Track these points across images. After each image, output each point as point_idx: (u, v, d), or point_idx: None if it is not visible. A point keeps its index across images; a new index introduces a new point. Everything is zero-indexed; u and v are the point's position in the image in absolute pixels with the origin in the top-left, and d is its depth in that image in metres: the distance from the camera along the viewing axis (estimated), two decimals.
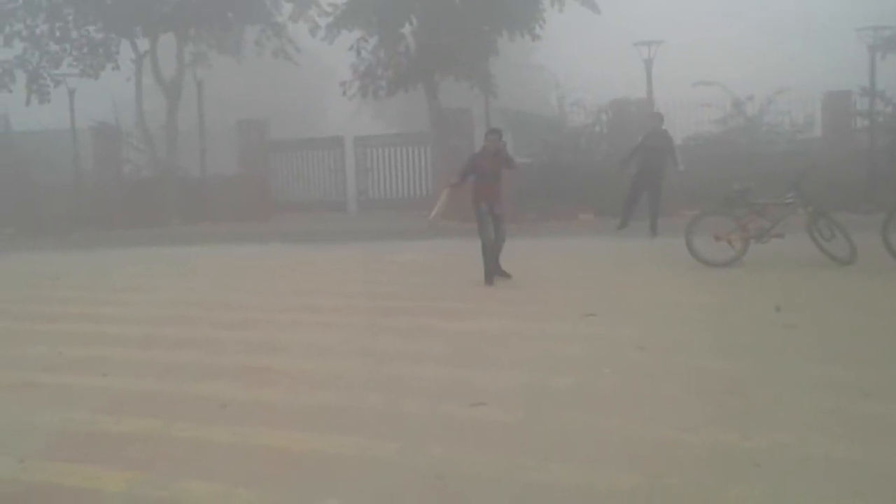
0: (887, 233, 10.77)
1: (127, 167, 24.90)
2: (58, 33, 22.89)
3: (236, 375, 6.72)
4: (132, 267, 15.26)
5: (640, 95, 21.34)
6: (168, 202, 23.60)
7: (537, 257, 13.29)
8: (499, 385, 6.14)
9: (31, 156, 24.23)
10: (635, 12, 30.56)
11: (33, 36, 22.78)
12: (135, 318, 9.62)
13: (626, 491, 4.25)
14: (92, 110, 23.80)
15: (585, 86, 22.36)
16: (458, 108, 22.38)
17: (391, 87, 22.30)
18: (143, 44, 23.96)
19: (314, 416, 5.60)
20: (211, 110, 24.95)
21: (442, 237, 17.39)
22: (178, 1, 23.51)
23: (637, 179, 16.13)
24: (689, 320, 8.26)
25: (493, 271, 11.16)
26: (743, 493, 4.17)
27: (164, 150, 24.16)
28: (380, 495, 4.33)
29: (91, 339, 8.43)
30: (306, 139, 25.85)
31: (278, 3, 24.36)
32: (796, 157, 19.00)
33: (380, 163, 24.81)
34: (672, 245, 12.27)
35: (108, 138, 24.39)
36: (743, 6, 36.54)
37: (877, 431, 4.93)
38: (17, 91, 22.67)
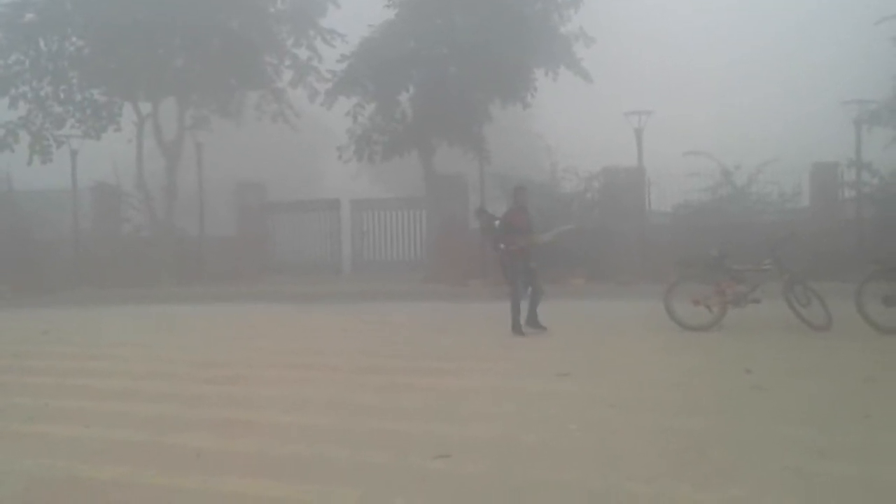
0: (861, 300, 11.01)
1: (125, 227, 25.22)
2: (62, 95, 23.39)
3: (213, 427, 6.91)
4: (125, 324, 15.47)
5: (631, 163, 21.72)
6: (165, 262, 23.85)
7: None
8: (466, 439, 6.31)
9: (32, 214, 24.59)
10: (627, 83, 31.19)
11: (38, 98, 23.27)
12: (122, 373, 9.79)
13: None
14: (93, 171, 24.24)
15: (578, 152, 22.77)
16: (453, 174, 22.78)
17: (386, 152, 22.79)
18: (146, 106, 24.48)
19: (282, 466, 5.77)
20: (210, 171, 25.39)
21: (432, 299, 17.66)
22: (181, 66, 24.11)
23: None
24: (661, 381, 8.44)
25: (519, 322, 11.91)
26: None
27: (163, 210, 24.51)
28: None
29: (77, 392, 8.62)
30: (303, 201, 26.22)
31: (279, 70, 24.94)
32: (784, 226, 19.28)
33: (375, 226, 25.13)
34: (655, 309, 12.46)
35: (108, 198, 24.80)
36: (732, 80, 37.27)
37: (828, 488, 5.09)
38: (19, 151, 23.07)
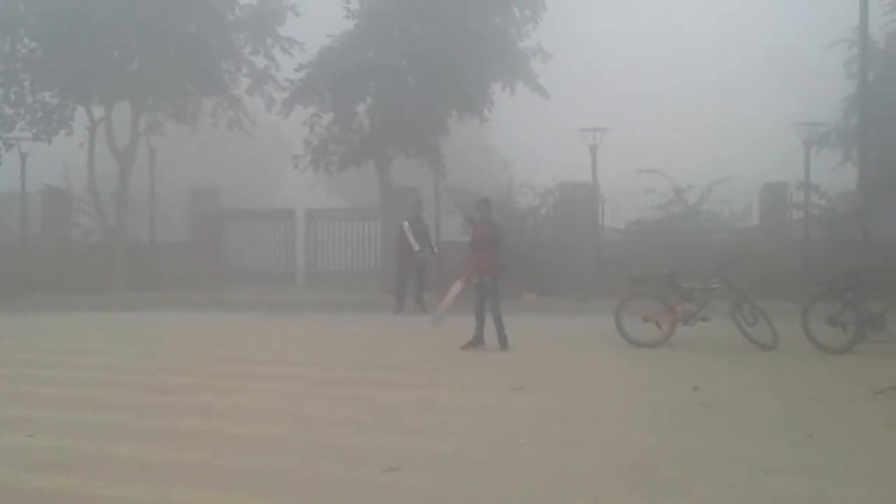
0: (807, 320, 11.24)
1: (76, 232, 24.81)
2: (13, 97, 22.92)
3: (161, 437, 6.84)
4: (75, 331, 15.22)
5: (586, 179, 21.89)
6: (116, 268, 23.49)
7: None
8: (418, 452, 6.33)
9: None
10: (583, 100, 31.45)
11: None
12: (70, 381, 9.63)
13: None
14: (43, 174, 23.82)
15: (533, 168, 22.89)
16: (409, 186, 22.77)
17: (343, 163, 22.74)
18: (99, 110, 24.14)
19: (231, 478, 5.73)
20: (164, 177, 25.09)
21: (387, 310, 17.62)
22: (136, 70, 23.83)
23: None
24: (611, 396, 8.55)
25: (504, 336, 11.85)
26: None
27: (115, 215, 24.18)
28: None
29: (23, 400, 8.47)
30: (258, 210, 26.05)
31: (236, 77, 24.72)
32: (734, 245, 19.58)
33: (330, 236, 25.03)
34: (607, 325, 12.55)
35: (58, 202, 24.36)
36: (686, 100, 37.79)
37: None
38: None
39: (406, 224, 18.09)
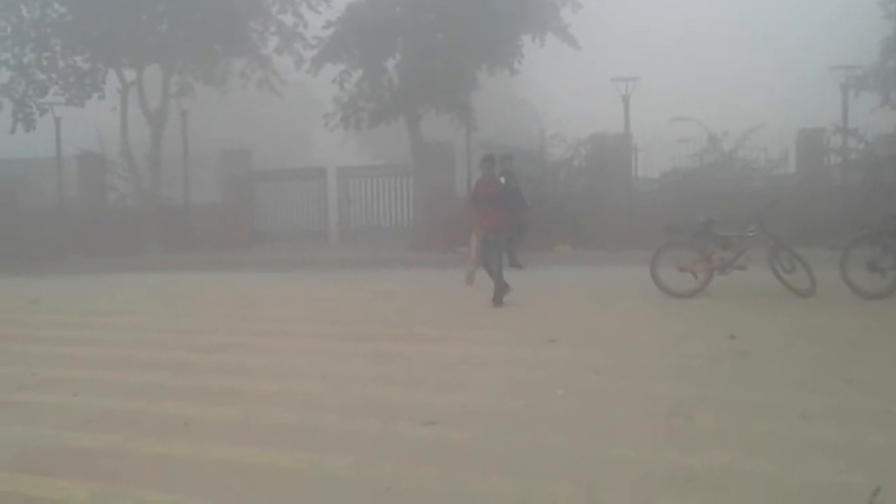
0: (845, 266, 11.10)
1: (111, 195, 25.08)
2: (45, 62, 23.12)
3: (202, 395, 6.94)
4: (112, 293, 15.45)
5: (619, 130, 21.69)
6: (151, 230, 23.78)
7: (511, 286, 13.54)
8: (454, 406, 6.36)
9: (16, 183, 24.44)
10: (615, 49, 30.99)
11: (21, 65, 23.01)
12: (110, 341, 9.80)
13: (561, 501, 4.47)
14: (77, 138, 24.04)
15: (565, 120, 22.70)
16: (440, 141, 22.70)
17: (373, 119, 22.68)
18: (130, 74, 24.24)
19: (272, 434, 5.81)
20: (196, 139, 25.21)
21: (420, 267, 17.69)
22: (165, 33, 23.86)
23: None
24: (647, 347, 8.52)
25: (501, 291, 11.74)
26: None
27: (148, 178, 24.39)
28: None
29: (65, 361, 8.63)
30: (289, 169, 26.09)
31: (264, 36, 24.70)
32: (771, 192, 19.34)
33: (362, 193, 25.05)
34: (642, 276, 12.49)
35: (92, 166, 24.62)
36: (720, 46, 37.08)
37: (812, 452, 5.15)
38: (2, 118, 22.86)
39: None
